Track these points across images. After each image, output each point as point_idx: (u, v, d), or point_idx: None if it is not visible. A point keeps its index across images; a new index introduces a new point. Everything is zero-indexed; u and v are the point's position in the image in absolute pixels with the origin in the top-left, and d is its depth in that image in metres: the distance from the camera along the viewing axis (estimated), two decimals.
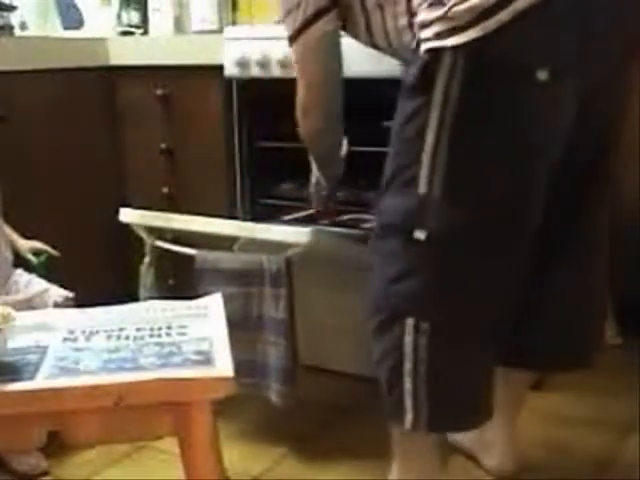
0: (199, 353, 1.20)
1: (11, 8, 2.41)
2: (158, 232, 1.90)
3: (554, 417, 1.57)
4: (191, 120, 2.30)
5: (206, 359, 1.18)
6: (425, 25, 1.27)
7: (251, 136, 2.25)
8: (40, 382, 1.15)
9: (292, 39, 1.59)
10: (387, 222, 1.37)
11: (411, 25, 1.42)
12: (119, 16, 2.65)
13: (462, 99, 1.24)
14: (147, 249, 1.91)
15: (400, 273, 1.33)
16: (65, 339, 1.29)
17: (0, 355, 1.19)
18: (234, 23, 2.48)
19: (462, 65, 1.23)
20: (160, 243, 1.89)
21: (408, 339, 1.32)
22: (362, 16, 1.52)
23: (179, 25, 2.57)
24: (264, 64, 2.11)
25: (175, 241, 1.90)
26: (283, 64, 2.07)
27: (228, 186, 2.27)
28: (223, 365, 1.18)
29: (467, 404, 1.37)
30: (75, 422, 1.17)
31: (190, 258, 1.81)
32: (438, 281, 1.31)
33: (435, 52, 1.24)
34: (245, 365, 1.72)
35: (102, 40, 2.42)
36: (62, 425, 1.17)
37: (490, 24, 1.19)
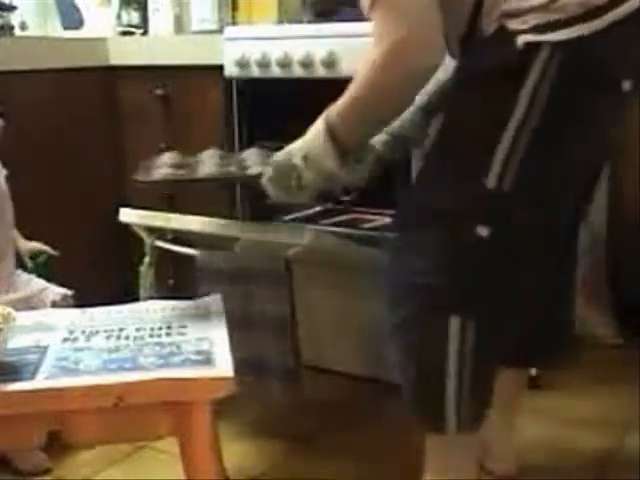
0: (199, 353, 1.20)
1: (11, 8, 2.41)
2: (158, 232, 1.90)
3: (554, 417, 1.57)
4: (191, 120, 2.30)
5: (206, 359, 1.18)
6: (519, 13, 1.18)
7: (251, 136, 2.24)
8: (40, 382, 1.15)
9: None
10: (437, 211, 1.26)
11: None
12: (119, 16, 2.65)
13: (553, 98, 1.17)
14: (147, 249, 1.90)
15: (448, 266, 1.25)
16: (65, 339, 1.29)
17: (0, 355, 1.19)
18: (234, 23, 2.47)
19: (558, 62, 1.16)
20: (160, 243, 1.89)
21: (453, 338, 1.25)
22: None
23: (179, 25, 2.57)
24: (264, 64, 2.11)
25: (175, 241, 1.90)
26: (283, 64, 2.07)
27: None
28: (223, 365, 1.18)
29: (489, 400, 1.35)
30: (75, 422, 1.17)
31: (190, 258, 1.81)
32: (494, 280, 1.24)
33: (530, 44, 1.17)
34: (246, 364, 1.72)
35: (102, 40, 2.42)
36: (62, 425, 1.17)
37: (600, 22, 1.14)
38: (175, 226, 1.83)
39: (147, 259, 1.90)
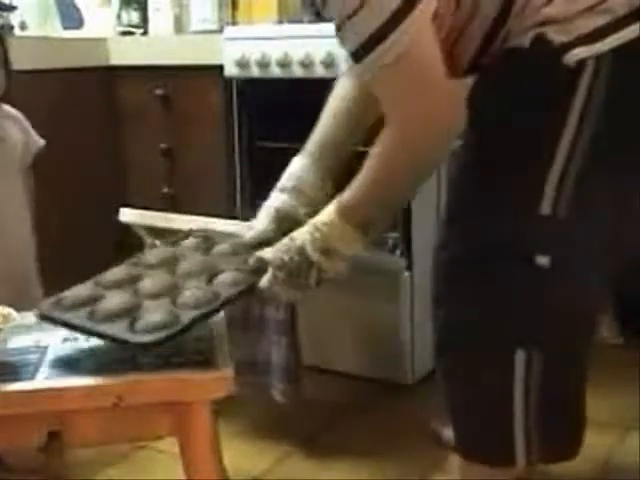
0: (199, 353, 1.20)
1: (11, 8, 2.42)
2: (158, 232, 1.90)
3: None
4: (191, 120, 2.30)
5: (206, 359, 1.18)
6: (564, 20, 1.09)
7: (251, 136, 2.24)
8: (40, 382, 1.15)
9: (376, 41, 1.09)
10: (489, 244, 1.18)
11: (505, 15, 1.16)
12: (119, 16, 2.65)
13: (605, 108, 1.10)
14: (147, 249, 1.90)
15: (510, 300, 1.19)
16: (65, 339, 1.28)
17: (0, 355, 1.19)
18: (234, 23, 2.47)
19: (607, 69, 1.09)
20: (160, 243, 1.89)
21: (519, 373, 1.19)
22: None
23: (179, 25, 2.57)
24: (264, 64, 2.11)
25: (175, 241, 1.90)
26: (283, 64, 2.07)
27: (228, 186, 2.27)
28: (223, 365, 1.18)
29: (575, 431, 1.30)
30: (75, 422, 1.17)
31: None
32: (559, 309, 1.18)
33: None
34: (247, 364, 1.72)
35: (102, 40, 2.42)
36: (62, 425, 1.17)
37: None
38: (175, 226, 1.83)
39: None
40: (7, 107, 1.77)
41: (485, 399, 1.26)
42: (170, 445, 1.19)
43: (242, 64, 2.14)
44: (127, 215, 1.87)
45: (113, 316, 1.18)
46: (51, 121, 2.22)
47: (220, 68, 2.18)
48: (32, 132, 1.81)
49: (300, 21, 2.25)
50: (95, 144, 2.40)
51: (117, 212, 1.88)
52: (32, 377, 1.15)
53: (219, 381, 1.16)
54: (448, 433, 1.70)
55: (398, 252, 2.06)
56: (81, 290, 1.27)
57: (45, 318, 1.22)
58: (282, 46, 2.08)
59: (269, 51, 2.10)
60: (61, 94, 2.26)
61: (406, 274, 2.05)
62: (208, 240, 1.46)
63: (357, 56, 1.12)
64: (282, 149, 2.16)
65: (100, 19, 2.67)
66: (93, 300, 1.23)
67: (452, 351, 1.27)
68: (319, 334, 2.18)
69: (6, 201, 1.72)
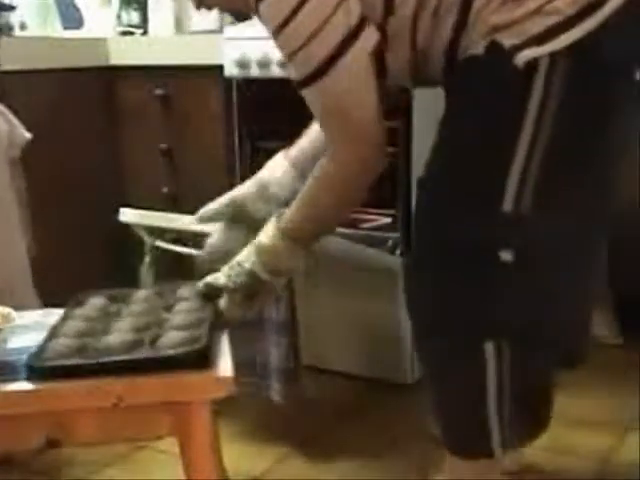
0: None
1: (11, 8, 2.41)
2: (158, 232, 1.90)
3: (554, 417, 1.57)
4: (191, 120, 2.30)
5: (206, 359, 1.18)
6: (512, 24, 1.13)
7: (251, 136, 2.24)
8: (40, 382, 1.15)
9: (317, 75, 1.19)
10: (457, 241, 1.23)
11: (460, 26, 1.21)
12: (119, 16, 2.65)
13: (562, 105, 1.14)
14: (147, 249, 1.91)
15: (477, 296, 1.24)
16: None
17: (0, 355, 1.19)
18: (234, 23, 2.47)
19: (562, 68, 1.12)
20: (160, 243, 1.89)
21: (490, 364, 1.25)
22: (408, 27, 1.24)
23: (179, 25, 2.57)
24: (264, 64, 2.11)
25: (175, 241, 1.90)
26: (283, 64, 2.07)
27: (228, 186, 2.26)
28: (223, 365, 1.18)
29: (543, 413, 1.39)
30: (75, 422, 1.17)
31: (190, 258, 1.81)
32: (524, 302, 1.23)
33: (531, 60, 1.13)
34: (246, 364, 1.72)
35: (102, 40, 2.42)
36: (62, 425, 1.17)
37: (594, 20, 1.10)
38: (175, 226, 1.83)
39: (147, 259, 1.90)
40: None
41: (459, 392, 1.30)
42: (170, 445, 1.19)
43: (242, 64, 2.14)
44: (127, 215, 1.87)
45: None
46: (51, 121, 2.23)
47: (220, 68, 2.18)
48: (18, 124, 1.81)
49: None
50: (95, 144, 2.40)
51: (117, 212, 1.89)
52: (32, 377, 1.16)
53: (219, 381, 1.16)
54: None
55: (398, 252, 2.06)
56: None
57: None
58: None
59: (269, 51, 2.10)
60: (61, 94, 2.26)
61: None
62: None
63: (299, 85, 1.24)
64: (282, 149, 2.16)
65: (100, 19, 2.67)
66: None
67: (428, 347, 1.32)
68: (319, 334, 2.18)
69: None
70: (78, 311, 1.36)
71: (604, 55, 1.13)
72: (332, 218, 1.37)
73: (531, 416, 1.33)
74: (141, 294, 1.44)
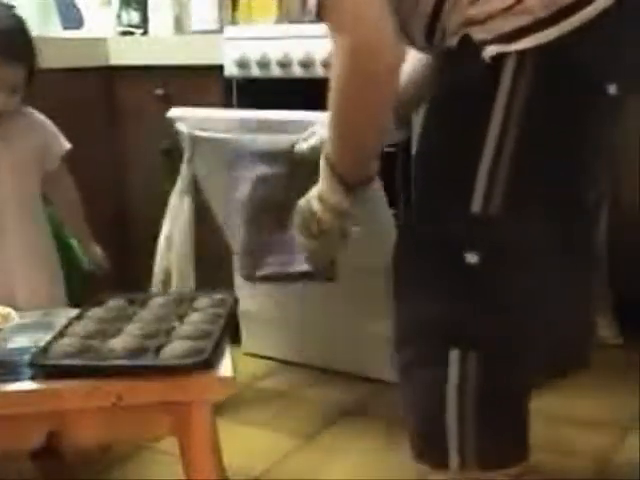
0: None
1: (11, 8, 2.41)
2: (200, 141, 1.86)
3: (554, 417, 1.57)
4: None
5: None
6: (483, 20, 1.12)
7: None
8: (40, 382, 1.15)
9: None
10: (423, 243, 1.22)
11: (434, 18, 1.20)
12: (119, 16, 2.65)
13: (529, 107, 1.12)
14: (186, 143, 1.89)
15: (443, 299, 1.20)
16: None
17: (0, 355, 1.20)
18: (234, 23, 2.47)
19: (529, 68, 1.11)
20: (199, 132, 1.87)
21: (453, 372, 1.19)
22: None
23: (179, 25, 2.57)
24: (264, 64, 2.11)
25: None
26: (283, 64, 2.07)
27: None
28: (223, 365, 1.18)
29: (515, 436, 1.26)
30: (75, 422, 1.17)
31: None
32: (491, 305, 1.18)
33: (497, 55, 1.11)
34: (276, 244, 1.70)
35: (102, 40, 2.42)
36: (62, 425, 1.17)
37: (567, 24, 1.08)
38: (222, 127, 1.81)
39: (186, 154, 1.89)
40: (29, 109, 1.71)
41: (420, 398, 1.26)
42: (170, 445, 1.19)
43: (242, 64, 2.14)
44: (176, 113, 1.89)
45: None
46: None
47: (220, 68, 2.18)
48: (57, 134, 1.75)
49: (300, 21, 2.24)
50: (95, 144, 2.39)
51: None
52: (32, 377, 1.16)
53: (219, 381, 1.16)
54: None
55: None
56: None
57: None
58: (282, 46, 2.08)
59: (269, 51, 2.10)
60: (61, 94, 2.25)
61: None
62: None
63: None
64: None
65: (100, 19, 2.67)
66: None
67: (396, 350, 1.29)
68: (319, 334, 2.18)
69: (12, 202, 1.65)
70: (93, 312, 1.39)
71: (574, 62, 1.11)
72: (356, 132, 1.22)
73: (499, 437, 1.24)
74: (159, 299, 1.46)
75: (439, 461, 1.26)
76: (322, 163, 1.27)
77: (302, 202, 1.32)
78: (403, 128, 1.46)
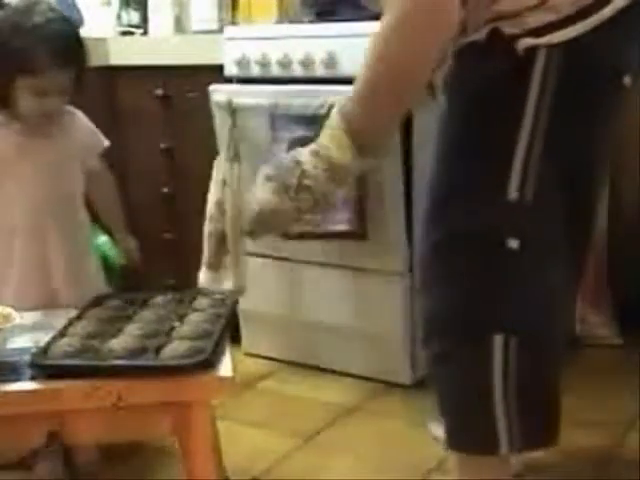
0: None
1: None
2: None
3: None
4: (191, 120, 2.30)
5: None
6: (514, 14, 1.16)
7: None
8: (40, 382, 1.15)
9: None
10: (464, 232, 1.23)
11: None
12: (119, 16, 2.65)
13: (559, 100, 1.17)
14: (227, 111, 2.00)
15: (488, 286, 1.23)
16: None
17: (0, 355, 1.20)
18: (234, 23, 2.47)
19: (559, 64, 1.16)
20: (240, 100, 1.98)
21: (497, 357, 1.22)
22: None
23: (179, 25, 2.57)
24: (264, 64, 2.11)
25: None
26: (283, 64, 2.07)
27: None
28: (223, 365, 1.18)
29: (555, 416, 1.30)
30: (75, 422, 1.17)
31: None
32: (532, 290, 1.23)
33: (529, 49, 1.16)
34: None
35: (102, 40, 2.42)
36: (62, 425, 1.17)
37: (592, 21, 1.14)
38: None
39: (229, 123, 2.01)
40: (69, 108, 1.70)
41: (465, 386, 1.28)
42: (170, 445, 1.18)
43: (242, 64, 2.14)
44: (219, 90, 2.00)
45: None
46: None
47: (220, 68, 2.18)
48: (95, 131, 1.75)
49: (300, 21, 2.25)
50: None
51: None
52: (32, 377, 1.16)
53: (219, 382, 1.16)
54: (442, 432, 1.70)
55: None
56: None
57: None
58: (282, 46, 2.08)
59: (269, 51, 2.10)
60: None
61: (406, 274, 2.05)
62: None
63: None
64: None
65: (100, 19, 2.67)
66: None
67: (435, 339, 1.29)
68: (319, 334, 2.18)
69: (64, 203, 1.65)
70: (93, 312, 1.39)
71: (598, 55, 1.18)
72: (389, 91, 1.18)
73: (539, 417, 1.29)
74: (159, 299, 1.46)
75: (487, 446, 1.27)
76: (336, 118, 1.21)
77: (285, 155, 1.30)
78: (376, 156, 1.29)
